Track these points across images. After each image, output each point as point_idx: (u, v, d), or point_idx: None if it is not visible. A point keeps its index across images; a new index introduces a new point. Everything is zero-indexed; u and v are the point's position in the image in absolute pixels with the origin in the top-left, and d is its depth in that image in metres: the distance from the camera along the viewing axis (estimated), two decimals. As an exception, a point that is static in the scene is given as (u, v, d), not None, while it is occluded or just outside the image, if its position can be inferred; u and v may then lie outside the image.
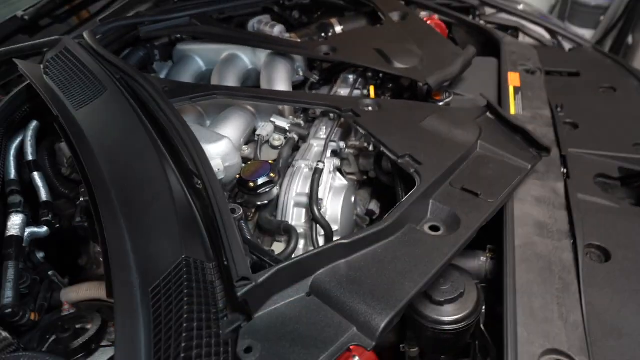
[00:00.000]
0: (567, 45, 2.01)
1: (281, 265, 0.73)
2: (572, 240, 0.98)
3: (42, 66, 1.27)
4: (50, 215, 1.03)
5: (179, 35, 1.72)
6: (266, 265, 0.79)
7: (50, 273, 1.07)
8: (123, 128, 1.02)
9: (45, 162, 1.18)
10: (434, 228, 0.92)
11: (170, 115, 1.01)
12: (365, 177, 1.41)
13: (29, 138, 1.15)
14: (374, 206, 1.34)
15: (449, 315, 0.87)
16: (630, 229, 1.02)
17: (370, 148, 1.37)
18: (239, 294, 0.67)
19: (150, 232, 0.79)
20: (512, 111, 1.38)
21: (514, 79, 1.54)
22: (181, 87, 1.21)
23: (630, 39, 3.82)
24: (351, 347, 0.69)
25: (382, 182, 1.40)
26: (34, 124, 1.19)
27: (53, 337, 0.85)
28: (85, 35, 1.38)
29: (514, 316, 0.82)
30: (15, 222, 0.92)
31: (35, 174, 1.10)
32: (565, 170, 1.18)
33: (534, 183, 1.12)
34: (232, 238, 0.74)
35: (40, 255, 1.10)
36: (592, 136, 1.32)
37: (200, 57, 1.59)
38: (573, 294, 0.88)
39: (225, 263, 0.72)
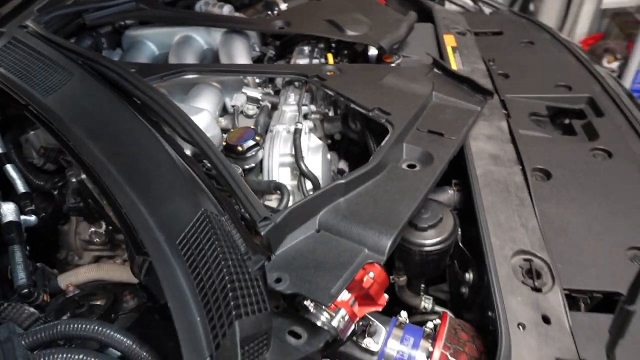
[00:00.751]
0: (487, 10, 2.24)
1: (294, 206, 0.81)
2: (520, 167, 1.16)
3: (-10, 59, 1.22)
4: (33, 205, 1.02)
5: (122, 22, 1.69)
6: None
7: (38, 265, 1.06)
8: (103, 107, 1.03)
9: (12, 155, 1.14)
10: (411, 166, 1.04)
11: (149, 91, 1.03)
12: (329, 141, 1.51)
13: (-7, 131, 1.11)
14: (343, 165, 1.45)
15: (433, 237, 1.00)
16: (563, 153, 1.22)
17: (331, 113, 1.47)
18: (262, 232, 0.75)
19: (161, 195, 0.83)
20: (454, 67, 1.54)
21: (450, 41, 1.71)
22: (148, 67, 1.22)
23: (532, 6, 4.26)
24: (365, 265, 0.79)
25: (346, 144, 1.51)
26: (-5, 117, 1.15)
27: (67, 315, 0.86)
28: (30, 24, 1.33)
29: (486, 229, 0.97)
30: (9, 209, 0.90)
31: (9, 166, 1.07)
32: (506, 112, 1.36)
33: (482, 124, 1.29)
34: (244, 187, 0.80)
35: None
36: (522, 83, 1.52)
37: (152, 41, 1.58)
38: (528, 207, 1.05)
39: (242, 210, 0.79)
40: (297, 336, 0.75)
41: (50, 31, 1.43)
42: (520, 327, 0.82)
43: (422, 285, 1.23)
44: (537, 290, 0.89)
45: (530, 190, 1.09)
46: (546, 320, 0.83)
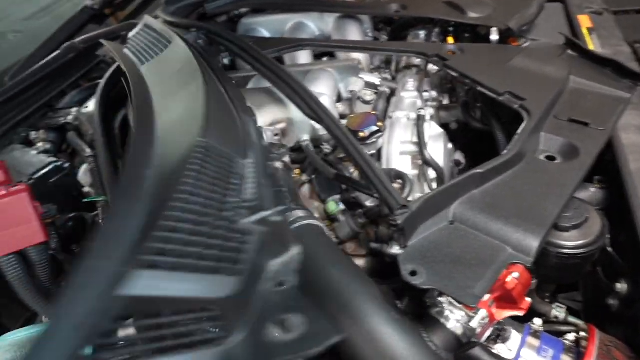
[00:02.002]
0: (624, -14, 1.96)
1: (429, 195, 0.76)
2: (684, 164, 0.98)
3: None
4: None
5: (237, 12, 1.75)
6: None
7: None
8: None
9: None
10: (550, 158, 0.93)
11: (277, 70, 1.03)
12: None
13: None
14: (459, 157, 1.36)
15: (576, 240, 0.89)
16: None
17: (445, 101, 1.38)
18: (400, 221, 0.71)
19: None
20: (592, 50, 1.37)
21: (584, 21, 1.52)
22: (266, 41, 1.24)
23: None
24: (509, 265, 0.72)
25: (463, 134, 1.41)
26: (133, 101, 1.24)
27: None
28: (160, 14, 1.42)
29: (647, 233, 0.84)
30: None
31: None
32: (660, 100, 1.17)
33: (631, 113, 1.12)
34: (379, 172, 0.77)
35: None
36: (679, 68, 1.30)
37: (266, 29, 1.61)
38: (700, 212, 0.88)
39: (376, 196, 0.75)
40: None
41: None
42: (698, 355, 0.70)
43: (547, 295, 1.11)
44: None
45: (700, 192, 0.92)
46: None
